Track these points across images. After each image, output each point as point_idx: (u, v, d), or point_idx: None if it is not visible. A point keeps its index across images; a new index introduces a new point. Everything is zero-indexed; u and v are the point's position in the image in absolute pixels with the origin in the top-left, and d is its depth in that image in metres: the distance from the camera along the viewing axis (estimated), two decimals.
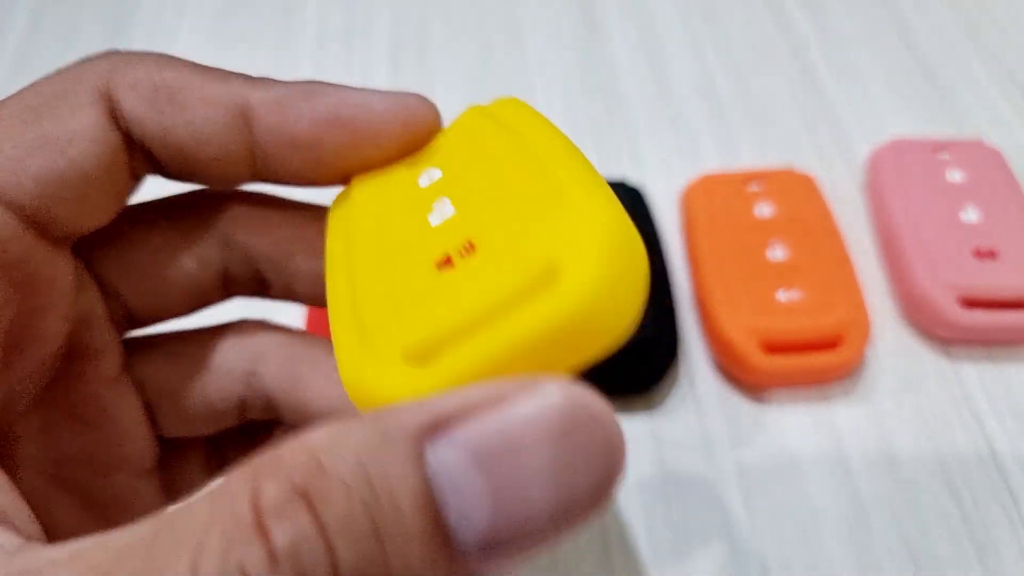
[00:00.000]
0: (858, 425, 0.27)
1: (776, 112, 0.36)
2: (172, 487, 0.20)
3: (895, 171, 0.31)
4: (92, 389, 0.18)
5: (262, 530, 0.10)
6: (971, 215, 0.30)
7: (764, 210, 0.30)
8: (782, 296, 0.28)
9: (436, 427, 0.11)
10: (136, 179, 0.17)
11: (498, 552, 0.11)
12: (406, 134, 0.17)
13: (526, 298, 0.12)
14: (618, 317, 0.12)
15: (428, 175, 0.16)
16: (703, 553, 0.25)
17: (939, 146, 0.32)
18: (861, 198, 0.33)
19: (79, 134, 0.16)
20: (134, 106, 0.16)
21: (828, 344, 0.27)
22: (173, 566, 0.10)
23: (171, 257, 0.19)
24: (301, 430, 0.11)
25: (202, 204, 0.19)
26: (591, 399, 0.11)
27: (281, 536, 0.10)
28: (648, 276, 0.13)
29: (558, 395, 0.11)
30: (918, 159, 0.32)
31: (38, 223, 0.16)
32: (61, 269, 0.17)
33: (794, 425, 0.27)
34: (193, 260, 0.19)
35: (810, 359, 0.27)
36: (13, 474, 0.16)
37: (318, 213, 0.19)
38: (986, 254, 0.29)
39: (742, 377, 0.28)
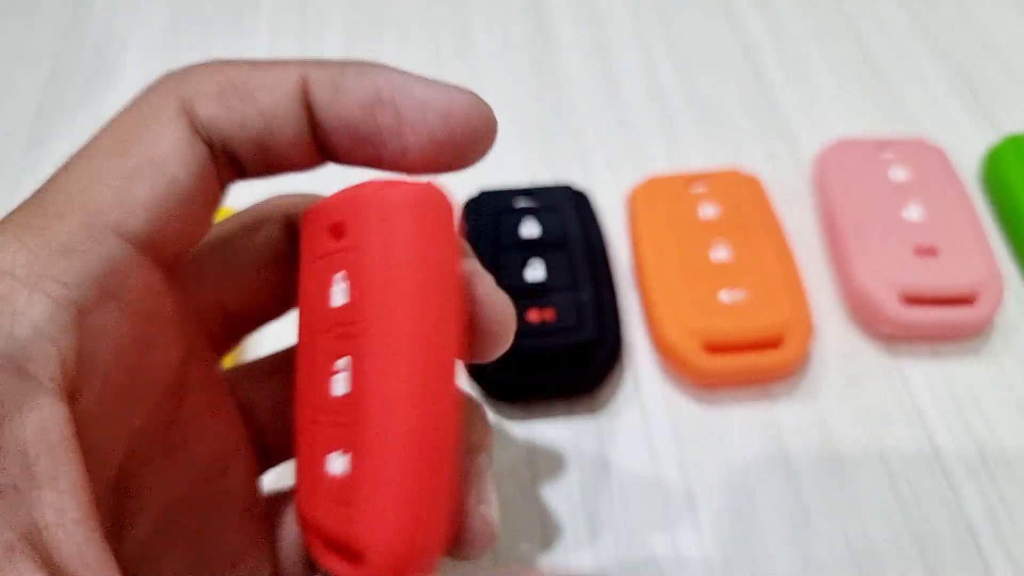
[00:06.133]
0: (801, 423, 0.27)
1: (725, 113, 0.36)
2: (279, 540, 0.20)
3: (839, 170, 0.32)
4: (199, 420, 0.18)
5: None
6: (913, 213, 0.30)
7: (708, 211, 0.30)
8: (725, 296, 0.28)
9: None
10: (223, 188, 0.18)
11: None
12: (452, 127, 0.17)
13: None
14: None
15: None
16: (647, 553, 0.25)
17: (883, 145, 0.32)
18: (807, 197, 0.33)
19: (171, 153, 0.16)
20: (209, 110, 0.17)
21: (771, 343, 0.27)
22: None
23: (247, 243, 0.20)
24: None
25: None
26: None
27: None
28: None
29: None
30: (862, 158, 0.32)
31: (152, 248, 0.16)
32: (171, 295, 0.17)
33: (738, 425, 0.27)
34: (263, 240, 0.20)
35: (753, 359, 0.27)
36: (129, 530, 0.16)
37: None
38: (927, 251, 0.29)
39: (685, 378, 0.28)
